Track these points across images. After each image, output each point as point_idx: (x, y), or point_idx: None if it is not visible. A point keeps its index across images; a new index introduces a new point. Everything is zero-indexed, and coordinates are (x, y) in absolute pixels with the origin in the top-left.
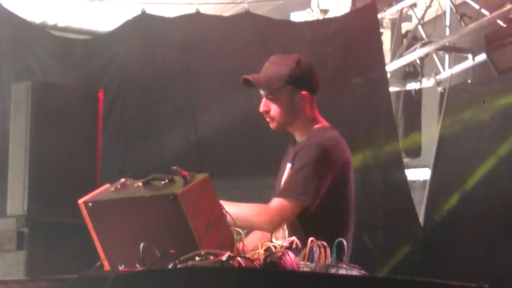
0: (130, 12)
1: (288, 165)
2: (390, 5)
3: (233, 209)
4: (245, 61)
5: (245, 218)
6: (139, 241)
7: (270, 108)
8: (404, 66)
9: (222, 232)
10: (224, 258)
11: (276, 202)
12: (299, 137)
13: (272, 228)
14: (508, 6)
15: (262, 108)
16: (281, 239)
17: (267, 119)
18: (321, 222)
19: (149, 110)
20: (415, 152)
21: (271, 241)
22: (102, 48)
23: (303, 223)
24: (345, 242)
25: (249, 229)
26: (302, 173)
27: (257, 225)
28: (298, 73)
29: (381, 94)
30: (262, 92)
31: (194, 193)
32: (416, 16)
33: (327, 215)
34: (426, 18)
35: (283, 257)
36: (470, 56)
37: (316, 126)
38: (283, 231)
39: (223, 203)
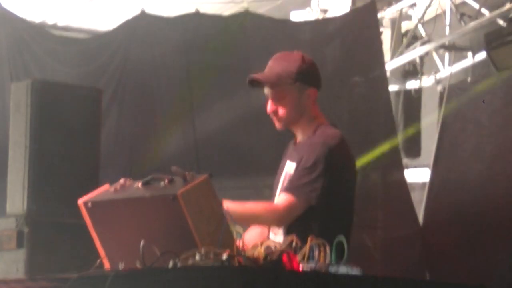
0: (129, 12)
1: (290, 163)
2: (390, 4)
3: (240, 208)
4: (245, 60)
5: (253, 216)
6: (139, 242)
7: (278, 108)
8: (404, 64)
9: (222, 232)
10: (224, 257)
11: (284, 198)
12: (301, 136)
13: (280, 224)
14: (507, 6)
15: (269, 108)
16: (279, 234)
17: (275, 118)
18: (321, 219)
19: (148, 110)
20: (415, 152)
21: (268, 237)
22: (101, 47)
23: (302, 220)
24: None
25: (258, 226)
26: (309, 171)
27: (266, 222)
28: (306, 69)
29: (381, 93)
30: (267, 91)
31: (194, 193)
32: (416, 16)
33: (327, 212)
34: (426, 18)
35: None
36: (470, 54)
37: (319, 124)
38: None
39: (229, 203)
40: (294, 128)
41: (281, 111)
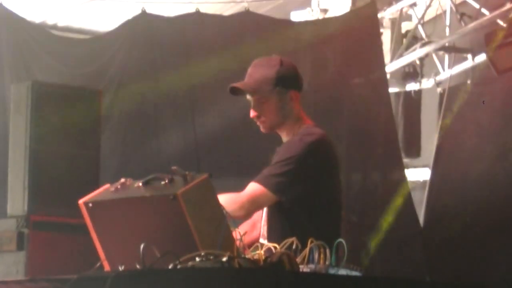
0: (130, 12)
1: None
2: (390, 4)
3: None
4: (245, 60)
5: None
6: (139, 241)
7: (261, 113)
8: (404, 66)
9: (222, 233)
10: (224, 258)
11: (250, 187)
12: (286, 138)
13: (243, 212)
14: (508, 6)
15: (252, 113)
16: (260, 237)
17: (258, 123)
18: (301, 220)
19: (148, 110)
20: (415, 152)
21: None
22: (102, 47)
23: (281, 220)
24: (344, 243)
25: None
26: (281, 165)
27: (231, 213)
28: (285, 73)
29: (381, 94)
30: (249, 97)
31: (194, 193)
32: (416, 16)
33: (306, 213)
34: (426, 18)
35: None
36: (470, 56)
37: (302, 125)
38: (260, 228)
39: None
40: (280, 131)
41: (264, 116)
